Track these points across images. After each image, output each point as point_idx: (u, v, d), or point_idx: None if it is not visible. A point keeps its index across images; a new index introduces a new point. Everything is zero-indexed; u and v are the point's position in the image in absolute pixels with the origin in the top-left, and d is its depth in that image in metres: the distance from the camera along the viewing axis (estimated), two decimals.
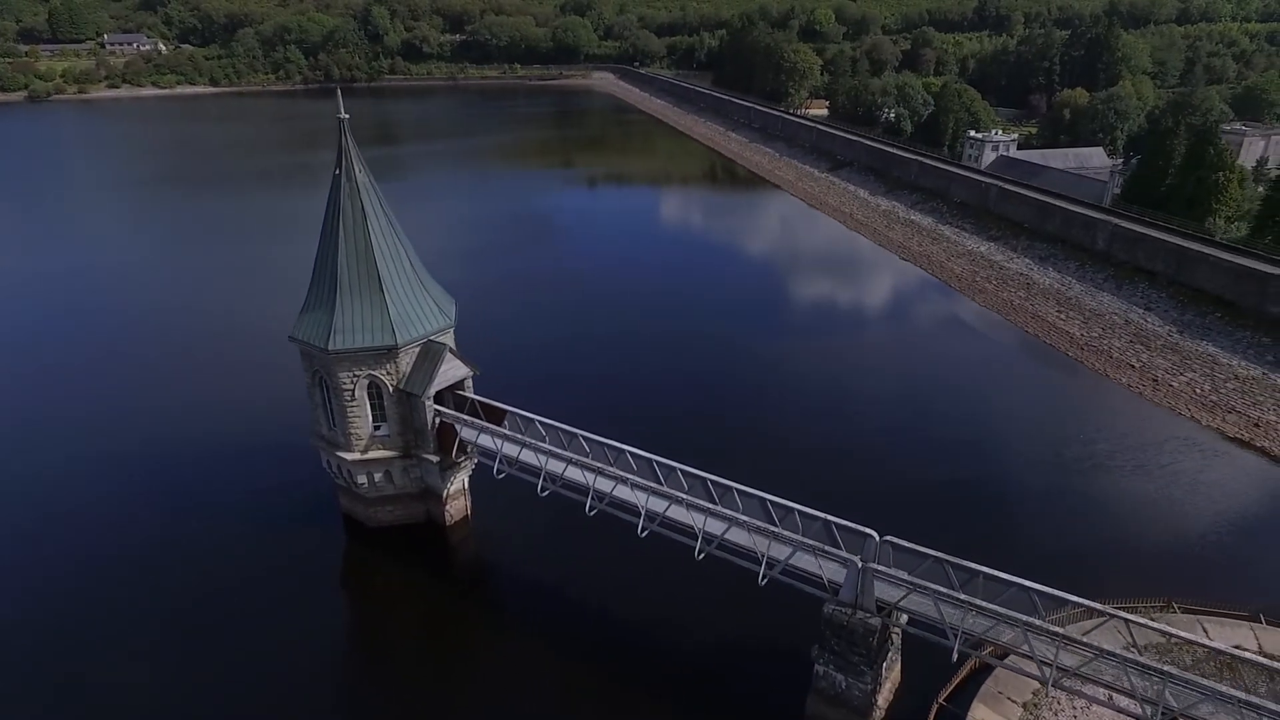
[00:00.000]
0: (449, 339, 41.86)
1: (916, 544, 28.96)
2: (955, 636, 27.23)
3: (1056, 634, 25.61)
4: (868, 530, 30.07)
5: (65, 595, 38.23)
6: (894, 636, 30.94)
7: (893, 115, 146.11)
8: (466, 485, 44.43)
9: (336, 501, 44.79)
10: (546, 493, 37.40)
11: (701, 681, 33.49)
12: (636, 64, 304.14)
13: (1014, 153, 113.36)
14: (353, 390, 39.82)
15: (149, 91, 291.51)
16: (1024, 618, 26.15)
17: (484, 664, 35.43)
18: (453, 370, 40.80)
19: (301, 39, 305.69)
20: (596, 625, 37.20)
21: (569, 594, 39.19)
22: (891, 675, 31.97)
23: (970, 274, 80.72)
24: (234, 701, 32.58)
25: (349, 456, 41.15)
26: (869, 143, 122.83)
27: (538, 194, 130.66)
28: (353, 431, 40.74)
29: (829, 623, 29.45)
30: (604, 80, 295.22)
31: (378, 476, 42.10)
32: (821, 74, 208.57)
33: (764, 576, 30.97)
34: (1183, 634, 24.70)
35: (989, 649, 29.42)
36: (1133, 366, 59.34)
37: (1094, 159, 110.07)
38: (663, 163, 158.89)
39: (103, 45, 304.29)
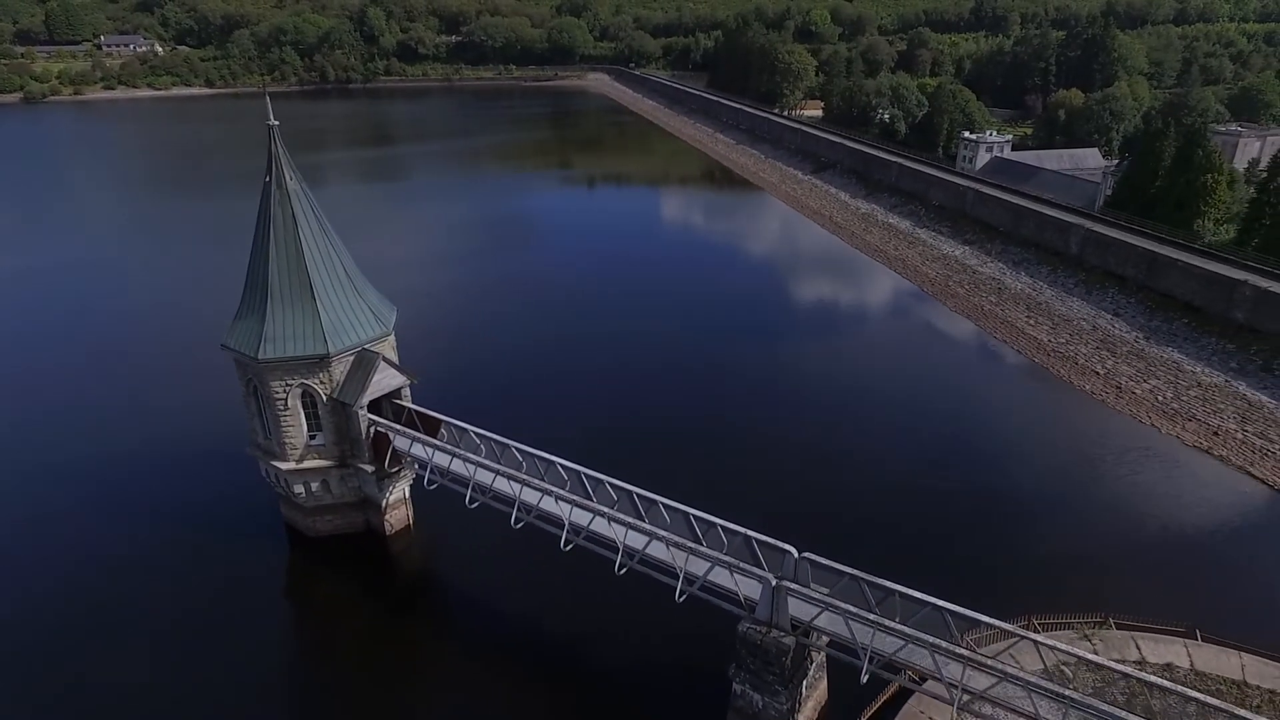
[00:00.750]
0: (385, 347, 41.38)
1: (837, 561, 28.38)
2: (865, 656, 26.64)
3: (963, 656, 25.00)
4: (786, 546, 29.48)
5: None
6: (815, 656, 30.34)
7: (887, 116, 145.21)
8: (408, 494, 43.93)
9: (279, 510, 44.33)
10: (475, 504, 36.92)
11: (625, 697, 32.95)
12: (632, 65, 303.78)
13: (1008, 154, 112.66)
14: (285, 399, 39.33)
15: (145, 93, 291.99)
16: (930, 639, 25.55)
17: (418, 676, 34.95)
18: (387, 379, 40.27)
19: (297, 40, 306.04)
20: (526, 639, 36.59)
21: (502, 607, 38.68)
22: (815, 695, 31.38)
23: (943, 278, 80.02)
24: (175, 712, 32.12)
25: (284, 466, 40.67)
26: (852, 145, 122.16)
27: (522, 195, 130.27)
28: (287, 440, 40.26)
29: (744, 641, 28.87)
30: (599, 81, 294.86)
31: (314, 486, 41.63)
32: (816, 75, 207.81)
33: (682, 593, 30.40)
34: (1086, 655, 24.03)
35: (907, 671, 28.77)
36: (1097, 373, 58.61)
37: (1089, 160, 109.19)
38: (650, 164, 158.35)
39: (99, 47, 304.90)
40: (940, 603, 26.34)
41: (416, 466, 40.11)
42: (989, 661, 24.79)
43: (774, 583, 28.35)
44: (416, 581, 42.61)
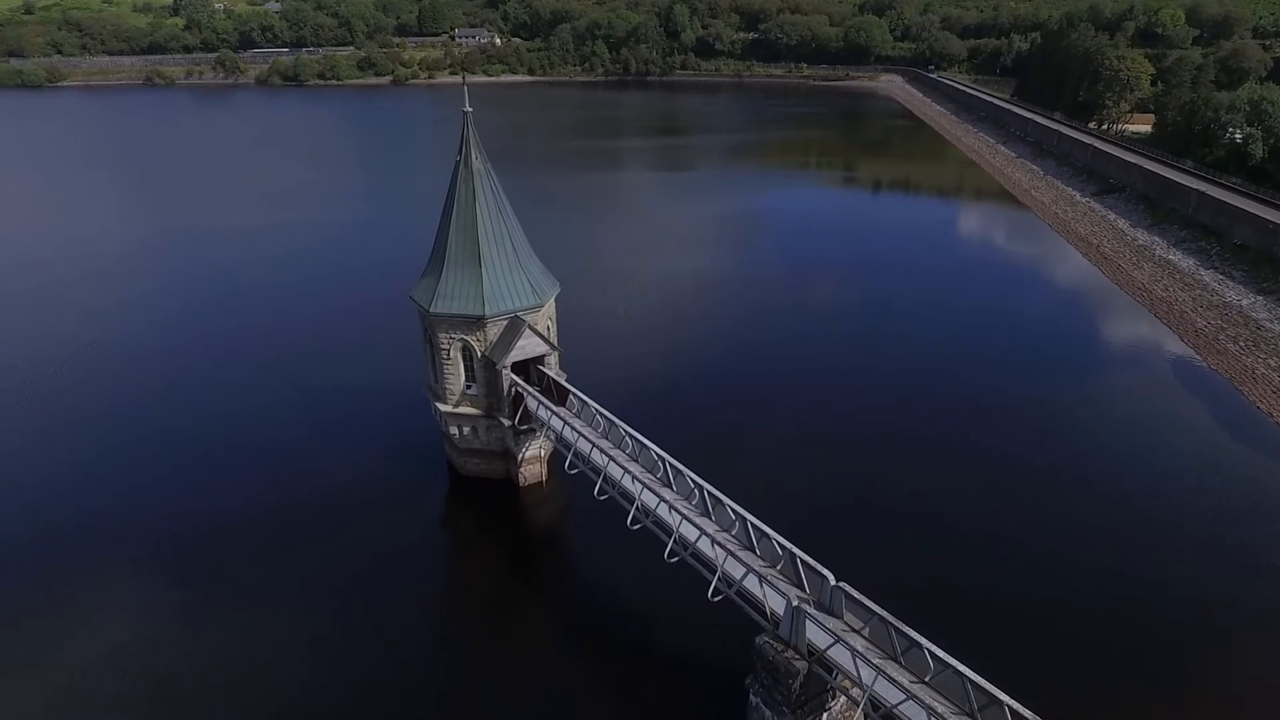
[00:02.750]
0: (539, 317, 45.64)
1: (881, 600, 27.00)
2: (863, 697, 25.21)
3: None
4: (825, 572, 28.61)
5: (221, 501, 46.59)
6: (837, 694, 28.94)
7: (1239, 136, 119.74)
8: (543, 454, 48.18)
9: (442, 446, 51.01)
10: (575, 470, 40.00)
11: (659, 679, 33.98)
12: (931, 68, 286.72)
13: None
14: (448, 350, 45.33)
15: (480, 79, 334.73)
16: (929, 699, 23.54)
17: (500, 614, 38.82)
18: (531, 345, 44.56)
19: (608, 34, 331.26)
20: (588, 605, 38.90)
21: (577, 572, 41.88)
22: None
23: (1214, 331, 67.30)
24: (326, 600, 38.69)
25: (444, 408, 46.93)
26: (1148, 166, 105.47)
27: (767, 193, 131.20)
28: (448, 386, 46.37)
29: (759, 654, 28.56)
30: (890, 84, 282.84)
31: (466, 430, 47.46)
32: (1153, 84, 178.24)
33: (717, 593, 30.72)
34: None
35: None
36: None
37: None
38: (913, 171, 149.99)
39: (453, 38, 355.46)
40: (963, 668, 24.11)
41: (546, 430, 44.00)
42: None
43: (794, 602, 27.68)
44: (533, 533, 46.77)
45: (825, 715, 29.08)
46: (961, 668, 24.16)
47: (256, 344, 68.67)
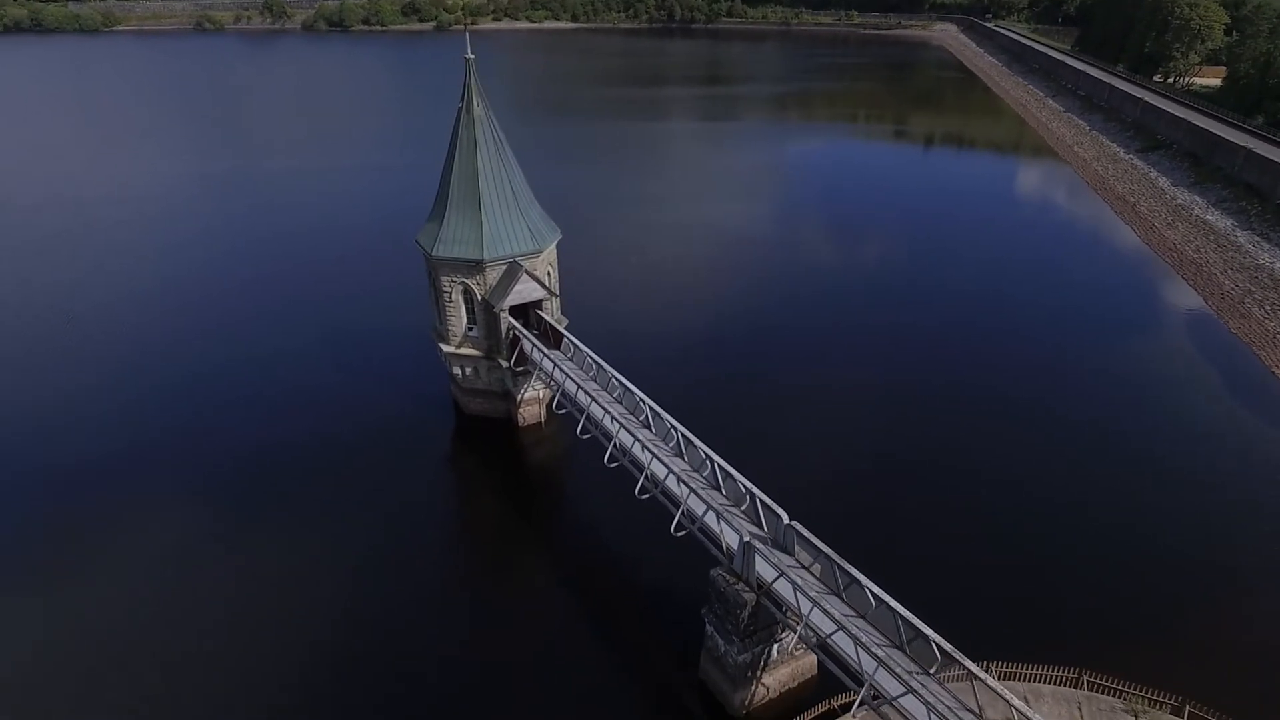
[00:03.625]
0: (538, 262, 46.83)
1: (823, 539, 28.20)
2: (798, 626, 26.62)
3: (878, 657, 24.01)
4: (780, 511, 29.89)
5: (249, 434, 49.58)
6: (786, 627, 30.16)
7: None
8: (541, 396, 49.86)
9: (449, 385, 53.05)
10: (563, 410, 41.67)
11: (627, 610, 35.84)
12: (988, 16, 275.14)
13: None
14: (450, 293, 46.92)
15: (522, 25, 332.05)
16: (856, 629, 24.82)
17: (489, 544, 41.25)
18: (528, 290, 45.89)
19: None
20: (566, 538, 41.13)
21: (566, 507, 43.90)
22: (793, 666, 31.48)
23: (1240, 294, 65.49)
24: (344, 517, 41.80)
25: (447, 349, 48.78)
26: (1196, 122, 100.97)
27: (795, 145, 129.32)
28: (450, 328, 48.13)
29: (712, 585, 30.06)
30: (944, 33, 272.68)
31: (468, 370, 49.33)
32: (1227, 34, 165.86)
33: (680, 528, 32.16)
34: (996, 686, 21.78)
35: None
36: None
37: None
38: (953, 124, 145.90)
39: None
40: (895, 604, 25.28)
41: (538, 371, 45.58)
42: (900, 670, 23.58)
43: (745, 538, 29.00)
44: (529, 470, 48.62)
45: (776, 647, 30.58)
46: (894, 604, 25.33)
47: (287, 286, 71.21)
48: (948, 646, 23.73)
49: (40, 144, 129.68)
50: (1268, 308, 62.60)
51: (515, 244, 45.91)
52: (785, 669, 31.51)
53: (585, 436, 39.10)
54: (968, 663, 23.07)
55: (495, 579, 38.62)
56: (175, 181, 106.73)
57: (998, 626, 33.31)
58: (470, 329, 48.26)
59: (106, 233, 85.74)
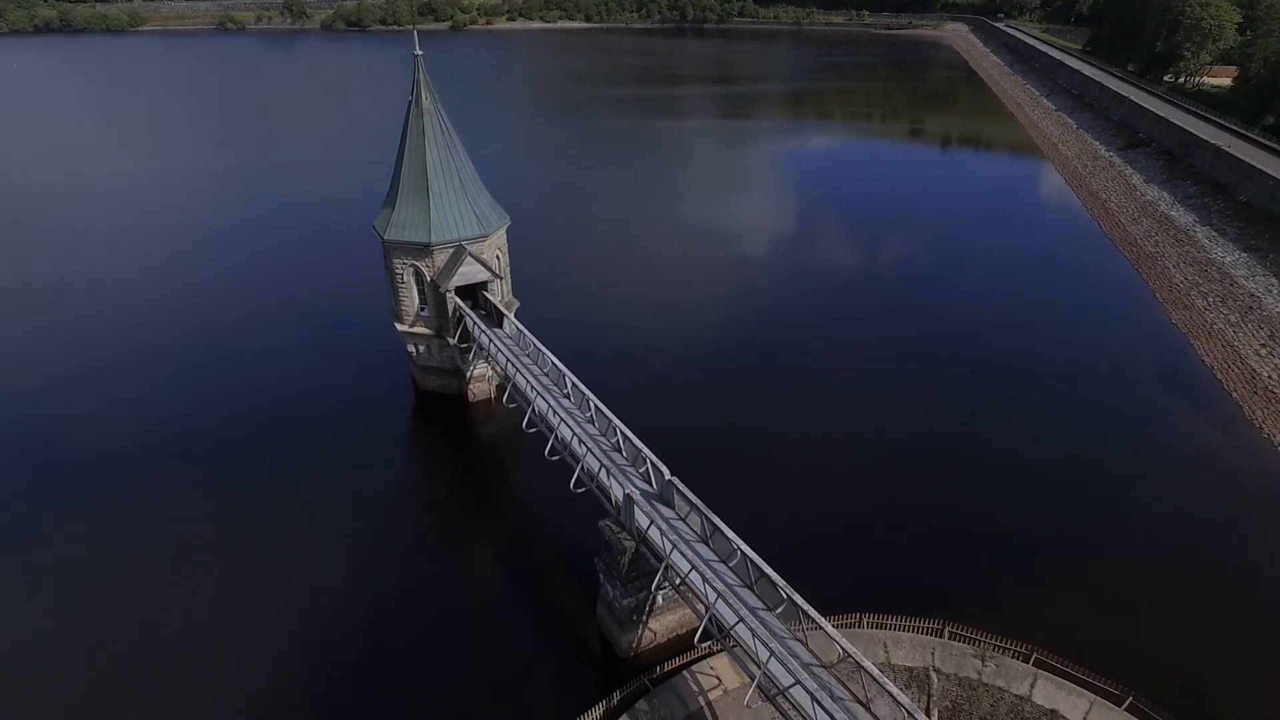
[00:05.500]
0: (485, 246, 49.84)
1: (696, 492, 30.96)
2: (661, 566, 29.43)
3: (718, 589, 26.71)
4: (663, 467, 32.71)
5: (222, 405, 53.41)
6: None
7: None
8: (491, 375, 52.90)
9: (408, 366, 56.29)
10: (496, 383, 44.75)
11: (553, 564, 38.87)
12: (1000, 16, 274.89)
13: None
14: (402, 275, 50.11)
15: (536, 25, 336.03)
16: (709, 566, 27.57)
17: (442, 510, 44.53)
18: (473, 272, 48.94)
19: None
20: (518, 509, 44.19)
21: (513, 479, 46.84)
22: (678, 614, 34.17)
23: (1188, 286, 67.07)
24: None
25: (400, 327, 51.97)
26: (1174, 121, 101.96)
27: (782, 143, 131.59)
28: (403, 308, 51.32)
29: (600, 534, 32.90)
30: (954, 33, 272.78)
31: (421, 349, 52.53)
32: (1241, 33, 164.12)
33: (580, 484, 35.01)
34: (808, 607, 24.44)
35: None
36: None
37: None
38: (943, 124, 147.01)
39: None
40: (746, 549, 27.98)
41: (476, 345, 48.64)
42: (735, 603, 26.30)
43: (627, 490, 31.84)
44: (477, 442, 51.71)
45: (661, 595, 33.32)
46: (745, 548, 28.06)
47: (269, 275, 75.01)
48: (780, 582, 26.42)
49: (55, 140, 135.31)
50: (1211, 299, 64.21)
51: (461, 229, 48.98)
52: (671, 615, 34.28)
53: (511, 405, 42.16)
54: (794, 594, 25.68)
55: (438, 539, 41.81)
56: (174, 176, 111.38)
57: (884, 584, 36.04)
58: (422, 309, 51.41)
59: (98, 224, 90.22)
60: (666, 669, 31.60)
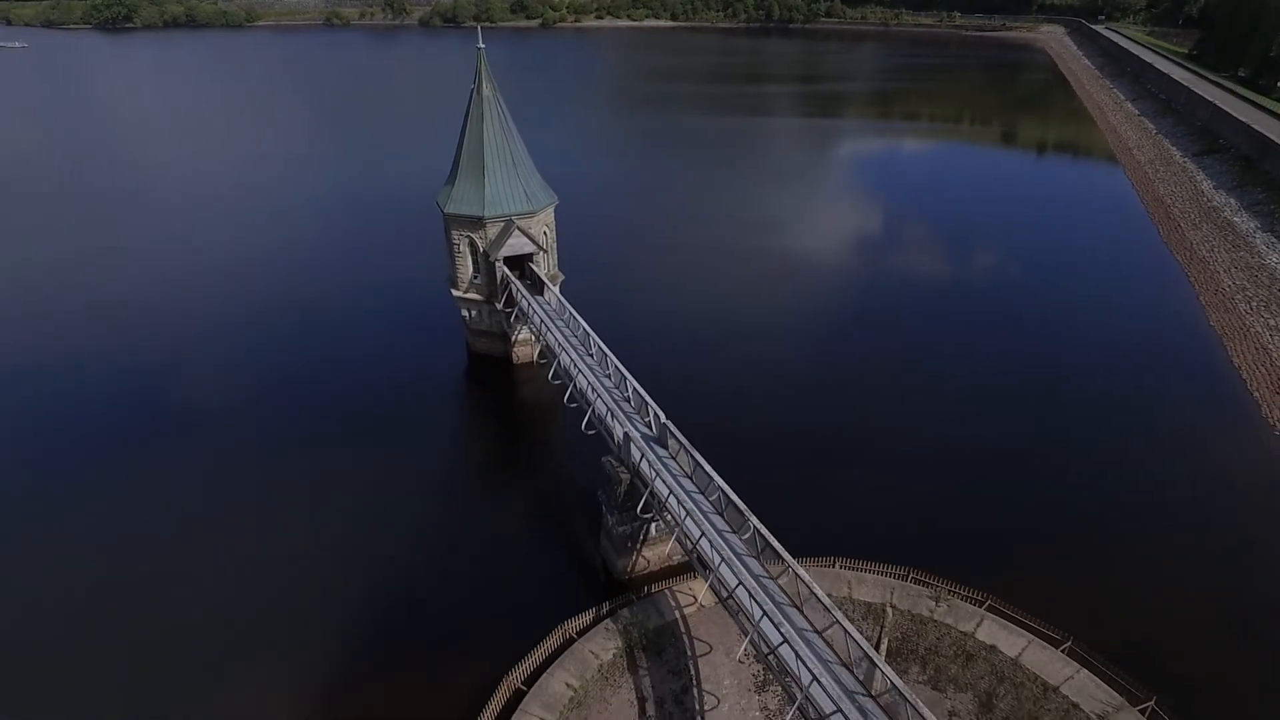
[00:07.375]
0: (533, 222, 55.01)
1: (692, 438, 35.11)
2: (645, 492, 33.72)
3: (688, 509, 30.80)
4: (657, 409, 36.98)
5: (291, 365, 61.40)
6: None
7: None
8: (534, 339, 58.09)
9: (462, 329, 62.13)
10: (534, 342, 49.91)
11: (572, 497, 43.81)
12: (1101, 17, 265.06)
13: None
14: (459, 245, 55.86)
15: (624, 23, 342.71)
16: (682, 496, 31.75)
17: (490, 465, 50.16)
18: (520, 244, 54.24)
19: None
20: (551, 455, 49.24)
21: (548, 430, 51.86)
22: (671, 545, 38.14)
23: (1234, 290, 66.58)
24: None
25: (456, 293, 57.79)
26: (1255, 127, 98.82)
27: (852, 145, 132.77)
28: (459, 275, 57.08)
29: (602, 468, 37.40)
30: (1050, 35, 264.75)
31: (473, 313, 58.22)
32: None
33: (590, 425, 39.65)
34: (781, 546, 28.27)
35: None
36: None
37: None
38: (1021, 127, 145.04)
39: None
40: (721, 483, 31.95)
41: (516, 311, 53.86)
42: (697, 514, 30.38)
43: (626, 430, 36.26)
44: (519, 400, 57.07)
45: (654, 525, 37.52)
46: (720, 482, 32.00)
47: (340, 248, 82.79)
48: (743, 507, 30.36)
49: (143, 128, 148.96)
50: (1254, 304, 63.77)
51: (512, 204, 54.31)
52: (664, 546, 38.30)
53: (543, 362, 47.20)
54: (753, 519, 29.54)
55: (480, 477, 47.94)
56: (292, 161, 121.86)
57: (856, 532, 39.39)
58: (475, 277, 57.04)
59: (211, 201, 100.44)
60: (654, 590, 35.90)
